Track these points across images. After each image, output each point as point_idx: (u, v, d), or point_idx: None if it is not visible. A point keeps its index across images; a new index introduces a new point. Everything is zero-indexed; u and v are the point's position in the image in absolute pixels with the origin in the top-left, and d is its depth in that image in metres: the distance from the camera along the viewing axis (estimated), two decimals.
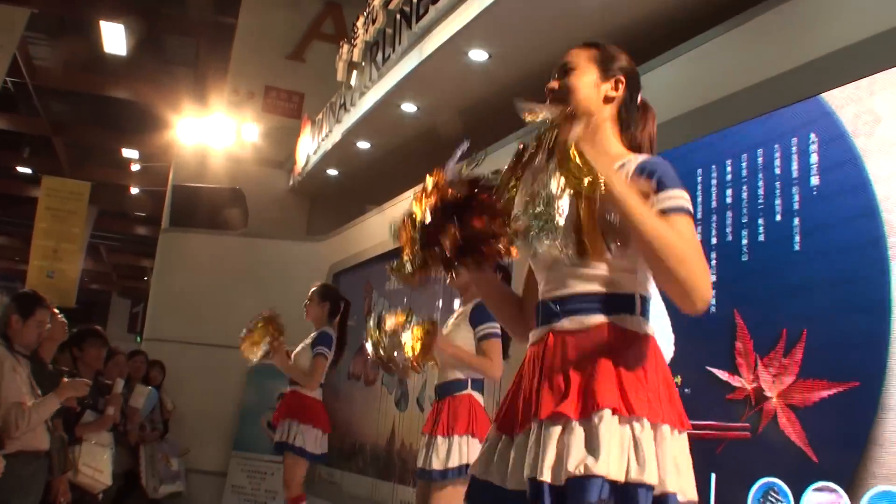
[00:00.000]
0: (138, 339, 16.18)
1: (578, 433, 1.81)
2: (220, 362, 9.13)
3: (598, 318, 1.92)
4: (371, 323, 4.00)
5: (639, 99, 2.17)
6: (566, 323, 1.96)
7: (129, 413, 6.71)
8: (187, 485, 8.34)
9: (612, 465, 1.75)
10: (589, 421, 1.81)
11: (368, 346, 4.00)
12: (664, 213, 1.86)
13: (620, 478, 1.76)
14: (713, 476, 3.52)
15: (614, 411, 1.80)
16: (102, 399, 5.69)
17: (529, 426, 1.93)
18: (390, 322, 3.97)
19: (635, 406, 1.80)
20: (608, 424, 1.78)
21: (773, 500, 3.25)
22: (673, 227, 1.83)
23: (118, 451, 5.93)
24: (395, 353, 3.93)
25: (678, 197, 1.89)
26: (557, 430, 1.85)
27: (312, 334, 5.65)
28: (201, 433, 8.95)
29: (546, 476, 1.82)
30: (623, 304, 1.94)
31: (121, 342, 11.34)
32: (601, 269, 1.94)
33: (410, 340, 3.86)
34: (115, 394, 5.73)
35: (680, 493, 1.80)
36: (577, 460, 1.77)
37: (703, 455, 3.50)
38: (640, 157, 1.99)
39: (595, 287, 1.94)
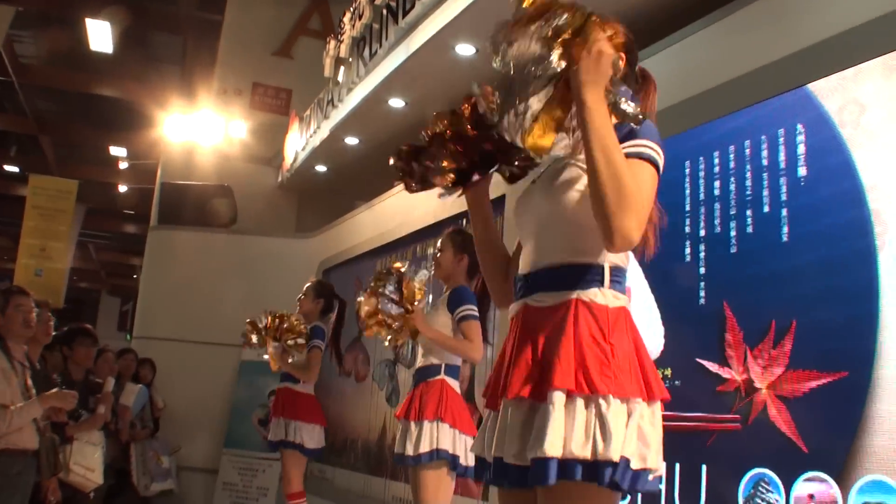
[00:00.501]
0: (128, 337, 16.14)
1: (539, 414, 1.82)
2: (211, 359, 9.12)
3: (567, 293, 1.91)
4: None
5: (637, 69, 2.15)
6: (537, 298, 1.96)
7: (120, 411, 6.69)
8: (178, 482, 8.33)
9: (574, 444, 1.75)
10: (547, 402, 1.81)
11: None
12: (627, 156, 1.86)
13: (587, 455, 1.76)
14: (704, 468, 3.53)
15: (571, 392, 1.79)
16: (93, 398, 5.68)
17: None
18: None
19: (598, 384, 1.79)
20: (561, 405, 1.79)
21: (763, 491, 3.26)
22: (630, 167, 1.83)
23: (109, 450, 5.92)
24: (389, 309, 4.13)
25: (647, 146, 1.90)
26: (520, 410, 1.89)
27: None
28: (192, 430, 8.93)
29: (508, 457, 1.86)
30: (592, 276, 1.92)
31: (110, 340, 11.32)
32: (573, 236, 1.93)
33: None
34: (105, 392, 5.72)
35: (640, 460, 1.80)
36: (535, 442, 1.78)
37: (694, 447, 3.52)
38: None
39: (565, 259, 1.93)
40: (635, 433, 1.80)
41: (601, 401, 1.79)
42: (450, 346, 4.07)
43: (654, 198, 1.90)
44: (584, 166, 1.88)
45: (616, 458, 1.75)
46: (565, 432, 1.77)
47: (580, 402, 1.80)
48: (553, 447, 1.75)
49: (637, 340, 1.93)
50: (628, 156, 1.85)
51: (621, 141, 1.87)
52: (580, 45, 1.80)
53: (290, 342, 5.50)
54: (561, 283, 1.93)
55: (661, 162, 1.92)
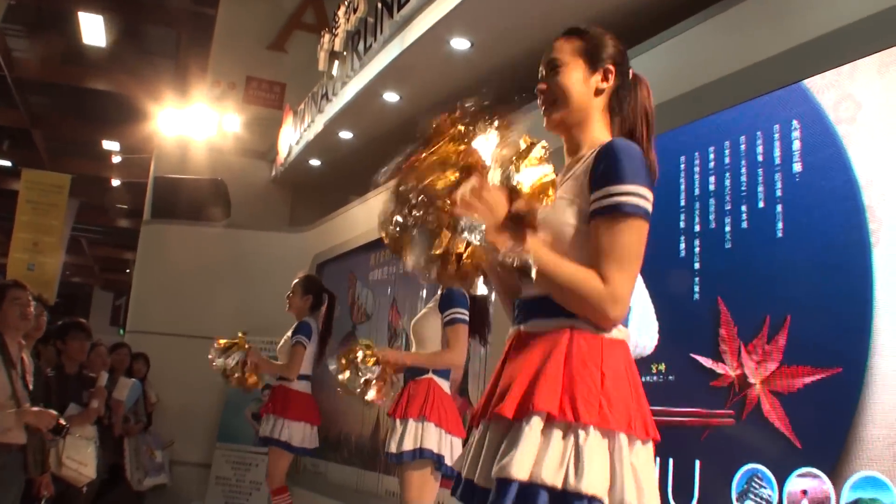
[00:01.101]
0: (121, 331, 16.10)
1: (511, 435, 1.78)
2: (204, 354, 9.05)
3: (561, 321, 1.86)
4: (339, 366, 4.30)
5: (630, 75, 2.11)
6: (531, 324, 1.93)
7: (113, 405, 6.67)
8: (172, 477, 8.32)
9: (545, 470, 1.70)
10: (521, 423, 1.76)
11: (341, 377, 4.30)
12: (601, 212, 1.82)
13: (557, 484, 1.69)
14: (697, 463, 3.53)
15: (551, 416, 1.74)
16: (86, 392, 5.66)
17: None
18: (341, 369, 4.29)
19: (582, 413, 1.73)
20: (538, 428, 1.74)
21: (757, 486, 3.26)
22: (606, 232, 1.81)
23: (102, 444, 5.91)
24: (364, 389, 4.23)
25: (623, 193, 1.81)
26: (498, 431, 1.84)
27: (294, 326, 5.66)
28: (185, 425, 8.92)
29: (479, 479, 1.84)
30: None
31: (103, 335, 11.26)
32: None
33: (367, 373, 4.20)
34: (99, 387, 5.70)
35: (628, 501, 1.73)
36: (500, 462, 1.74)
37: (688, 442, 3.52)
38: (604, 143, 1.92)
39: None
40: (624, 470, 1.74)
41: (580, 431, 1.73)
42: (425, 363, 4.09)
43: (641, 251, 1.85)
44: (575, 199, 1.87)
45: (588, 492, 1.68)
46: (537, 456, 1.72)
47: (558, 429, 1.74)
48: (520, 469, 1.70)
49: (633, 376, 1.87)
50: (602, 212, 1.82)
51: (598, 183, 1.83)
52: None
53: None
54: (555, 312, 1.87)
55: (643, 203, 1.83)
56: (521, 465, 1.70)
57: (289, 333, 5.66)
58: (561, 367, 1.79)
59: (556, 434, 1.74)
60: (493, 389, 1.94)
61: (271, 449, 5.57)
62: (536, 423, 1.74)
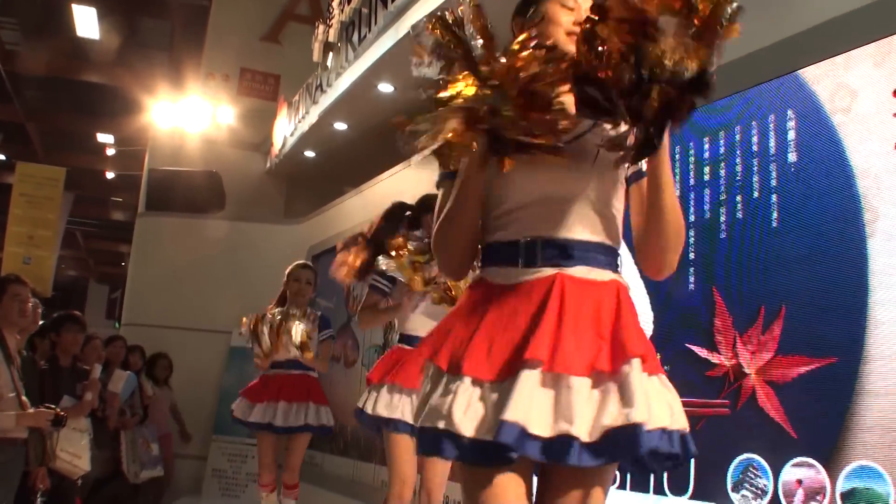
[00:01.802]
0: (117, 324, 16.08)
1: (614, 386, 1.69)
2: (200, 346, 9.10)
3: (609, 273, 1.88)
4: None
5: None
6: (580, 269, 1.84)
7: (108, 398, 6.66)
8: (168, 469, 8.32)
9: (660, 414, 1.69)
10: (620, 374, 1.69)
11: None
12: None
13: (668, 424, 1.71)
14: None
15: (643, 360, 1.71)
16: (80, 385, 5.66)
17: (518, 372, 1.71)
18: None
19: (653, 363, 1.76)
20: (640, 375, 1.69)
21: (752, 476, 3.26)
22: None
23: (98, 437, 5.90)
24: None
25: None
26: (586, 383, 1.70)
27: (313, 316, 5.60)
28: (182, 417, 8.92)
29: (580, 432, 1.66)
30: (616, 260, 1.93)
31: (99, 329, 11.25)
32: (605, 217, 1.90)
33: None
34: (92, 379, 5.69)
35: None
36: (638, 413, 1.64)
37: None
38: None
39: (601, 238, 1.88)
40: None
41: (660, 374, 1.78)
42: None
43: None
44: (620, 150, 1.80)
45: (682, 429, 1.75)
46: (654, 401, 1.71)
47: (646, 375, 1.72)
48: (639, 414, 1.64)
49: None
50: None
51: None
52: None
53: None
54: (602, 261, 1.88)
55: None
56: (646, 411, 1.65)
57: (308, 325, 5.59)
58: (631, 320, 1.82)
59: (651, 379, 1.74)
60: (519, 334, 1.77)
61: (298, 436, 5.55)
62: (639, 371, 1.71)
